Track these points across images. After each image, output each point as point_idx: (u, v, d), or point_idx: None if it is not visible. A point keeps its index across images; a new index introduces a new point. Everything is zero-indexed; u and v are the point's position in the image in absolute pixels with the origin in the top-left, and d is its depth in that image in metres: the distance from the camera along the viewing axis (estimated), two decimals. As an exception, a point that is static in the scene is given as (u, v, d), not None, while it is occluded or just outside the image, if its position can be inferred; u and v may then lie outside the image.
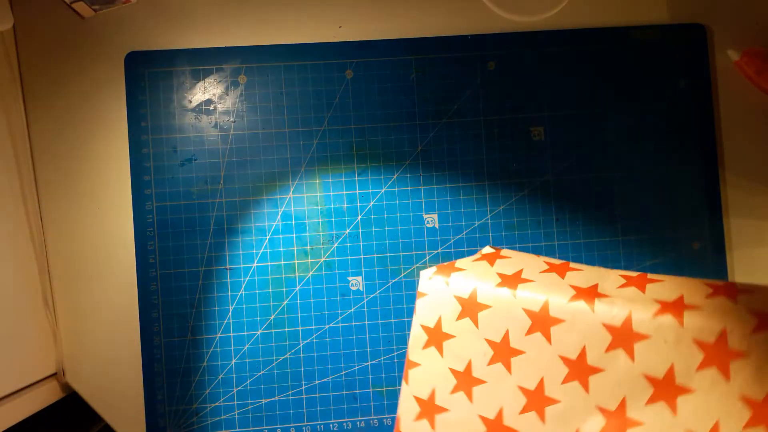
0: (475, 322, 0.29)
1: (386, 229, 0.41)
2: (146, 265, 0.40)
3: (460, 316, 0.29)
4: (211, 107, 0.41)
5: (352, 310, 0.41)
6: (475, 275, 0.30)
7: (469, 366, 0.29)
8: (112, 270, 0.40)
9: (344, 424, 0.40)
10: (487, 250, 0.34)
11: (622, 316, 0.26)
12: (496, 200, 0.41)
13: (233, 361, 0.40)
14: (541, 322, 0.28)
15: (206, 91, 0.41)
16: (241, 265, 0.40)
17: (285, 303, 0.40)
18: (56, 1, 0.40)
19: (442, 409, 0.30)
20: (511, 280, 0.29)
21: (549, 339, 0.27)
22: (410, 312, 0.41)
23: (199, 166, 0.40)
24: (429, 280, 0.31)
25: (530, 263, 0.31)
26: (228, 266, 0.40)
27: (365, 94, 0.41)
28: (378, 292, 0.41)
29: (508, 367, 0.28)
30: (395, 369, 0.41)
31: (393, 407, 0.40)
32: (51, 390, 0.38)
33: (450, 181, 0.41)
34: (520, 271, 0.30)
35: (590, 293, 0.27)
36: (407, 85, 0.41)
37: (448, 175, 0.41)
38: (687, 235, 0.42)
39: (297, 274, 0.40)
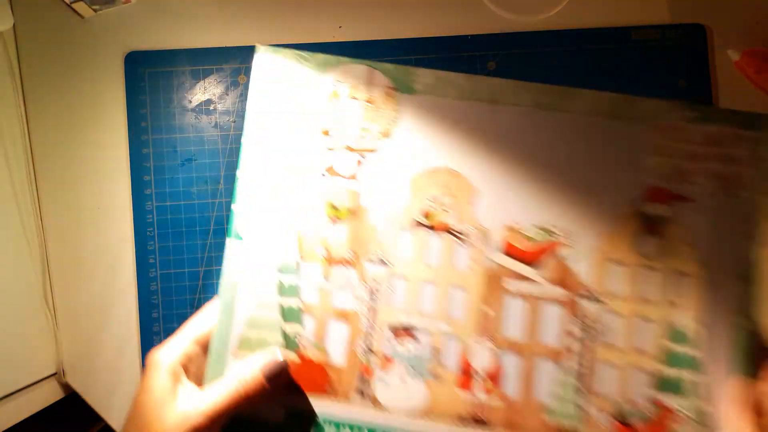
0: None
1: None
2: (146, 265, 0.40)
3: None
4: (211, 107, 0.41)
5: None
6: None
7: None
8: (112, 270, 0.40)
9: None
10: None
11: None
12: (496, 200, 0.41)
13: (233, 361, 0.40)
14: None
15: (206, 91, 0.41)
16: (242, 265, 0.40)
17: (285, 303, 0.40)
18: (56, 1, 0.40)
19: None
20: None
21: None
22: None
23: (199, 166, 0.40)
24: None
25: None
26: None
27: (365, 94, 0.41)
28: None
29: None
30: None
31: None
32: (51, 390, 0.38)
33: (450, 182, 0.41)
34: None
35: None
36: (407, 85, 0.41)
37: (448, 175, 0.41)
38: None
39: (297, 274, 0.40)
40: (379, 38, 0.41)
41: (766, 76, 0.40)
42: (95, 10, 0.40)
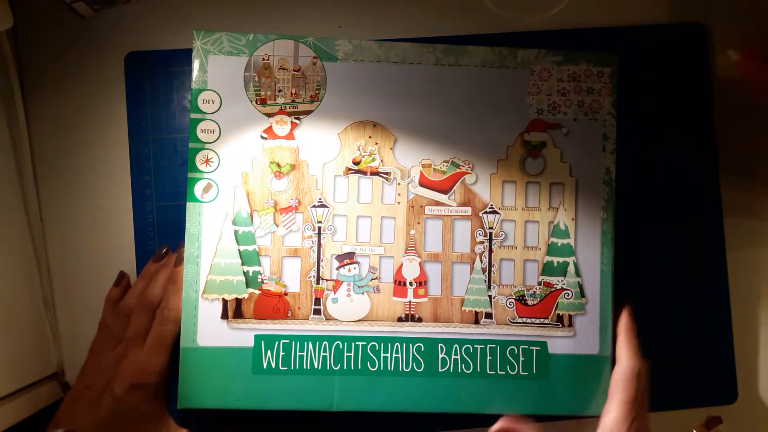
0: None
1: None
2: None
3: None
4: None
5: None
6: None
7: None
8: (113, 270, 0.39)
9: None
10: None
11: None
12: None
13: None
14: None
15: (206, 91, 0.39)
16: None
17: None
18: (56, 1, 0.39)
19: None
20: None
21: None
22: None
23: (199, 166, 0.38)
24: None
25: None
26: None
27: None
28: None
29: None
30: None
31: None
32: (51, 390, 0.38)
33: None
34: None
35: None
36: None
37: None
38: (686, 235, 0.41)
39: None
40: (380, 38, 0.39)
41: (766, 76, 0.39)
42: (95, 10, 0.39)
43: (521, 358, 0.34)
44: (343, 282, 0.35)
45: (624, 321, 0.35)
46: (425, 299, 0.35)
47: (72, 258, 0.40)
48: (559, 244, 0.35)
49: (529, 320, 0.35)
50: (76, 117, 0.40)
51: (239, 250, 0.35)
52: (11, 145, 0.38)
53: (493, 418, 0.40)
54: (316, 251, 0.35)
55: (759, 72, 0.40)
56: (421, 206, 0.35)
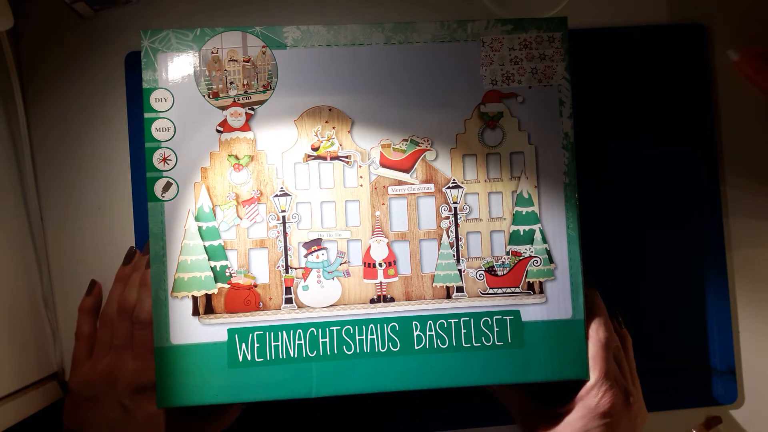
0: None
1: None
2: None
3: None
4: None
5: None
6: None
7: None
8: (112, 270, 0.39)
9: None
10: None
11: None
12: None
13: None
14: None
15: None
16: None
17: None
18: (56, 1, 0.39)
19: None
20: None
21: None
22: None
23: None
24: None
25: None
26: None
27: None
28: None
29: None
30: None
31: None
32: (51, 390, 0.38)
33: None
34: None
35: None
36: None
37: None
38: (687, 234, 0.41)
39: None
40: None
41: (766, 76, 0.40)
42: (95, 10, 0.40)
43: (495, 329, 0.34)
44: (312, 269, 0.35)
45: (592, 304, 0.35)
46: (396, 279, 0.35)
47: (72, 258, 0.40)
48: (523, 213, 0.35)
49: (500, 290, 0.35)
50: (77, 117, 0.40)
51: (204, 245, 0.34)
52: (11, 145, 0.38)
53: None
54: (282, 240, 0.35)
55: (758, 72, 0.40)
56: (384, 187, 0.35)
